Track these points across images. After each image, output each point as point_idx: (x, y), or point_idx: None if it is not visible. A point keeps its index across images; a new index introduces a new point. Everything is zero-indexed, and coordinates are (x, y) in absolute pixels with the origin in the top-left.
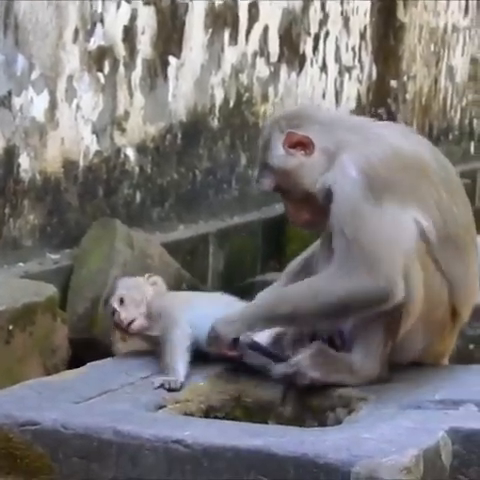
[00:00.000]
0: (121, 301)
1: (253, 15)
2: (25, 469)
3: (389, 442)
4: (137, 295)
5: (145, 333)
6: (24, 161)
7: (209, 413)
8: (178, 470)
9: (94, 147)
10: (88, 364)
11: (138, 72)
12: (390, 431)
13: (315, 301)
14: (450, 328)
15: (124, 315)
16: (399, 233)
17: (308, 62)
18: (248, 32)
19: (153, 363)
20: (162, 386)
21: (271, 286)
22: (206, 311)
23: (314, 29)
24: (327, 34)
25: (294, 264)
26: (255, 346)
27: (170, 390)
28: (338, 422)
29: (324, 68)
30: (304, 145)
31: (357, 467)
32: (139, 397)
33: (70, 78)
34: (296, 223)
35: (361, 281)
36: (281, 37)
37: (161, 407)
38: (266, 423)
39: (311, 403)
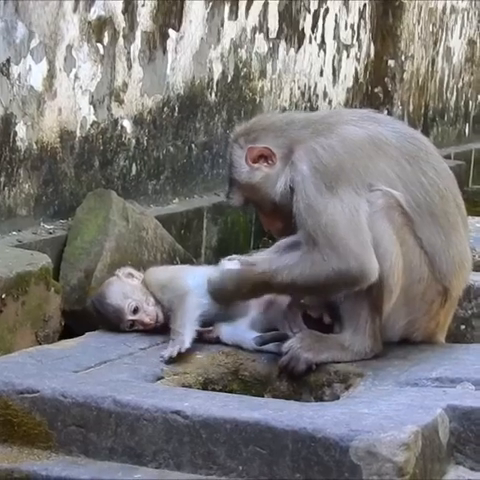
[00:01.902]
0: (135, 310)
1: None
2: (23, 436)
3: (388, 418)
4: (138, 294)
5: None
6: (21, 130)
7: (207, 385)
8: (176, 441)
9: (91, 118)
10: (87, 334)
11: (137, 44)
12: (388, 407)
13: (294, 286)
14: (439, 305)
15: (148, 319)
16: (359, 214)
17: (307, 39)
18: (248, 7)
19: (151, 335)
20: (170, 359)
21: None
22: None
23: (314, 6)
24: (326, 11)
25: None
26: (262, 341)
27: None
28: (335, 397)
29: (322, 45)
30: (266, 157)
31: (356, 442)
32: (138, 368)
33: (69, 48)
34: (272, 232)
35: (333, 266)
36: (281, 13)
37: (159, 378)
38: (262, 397)
39: (308, 378)
